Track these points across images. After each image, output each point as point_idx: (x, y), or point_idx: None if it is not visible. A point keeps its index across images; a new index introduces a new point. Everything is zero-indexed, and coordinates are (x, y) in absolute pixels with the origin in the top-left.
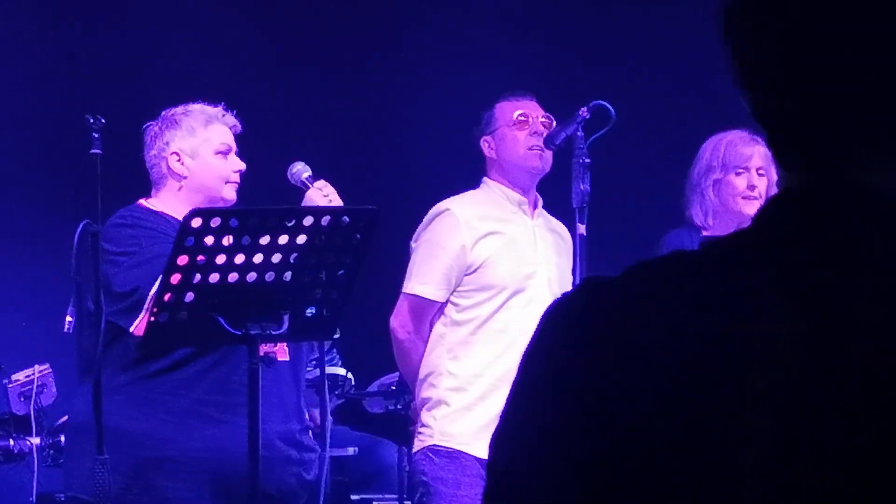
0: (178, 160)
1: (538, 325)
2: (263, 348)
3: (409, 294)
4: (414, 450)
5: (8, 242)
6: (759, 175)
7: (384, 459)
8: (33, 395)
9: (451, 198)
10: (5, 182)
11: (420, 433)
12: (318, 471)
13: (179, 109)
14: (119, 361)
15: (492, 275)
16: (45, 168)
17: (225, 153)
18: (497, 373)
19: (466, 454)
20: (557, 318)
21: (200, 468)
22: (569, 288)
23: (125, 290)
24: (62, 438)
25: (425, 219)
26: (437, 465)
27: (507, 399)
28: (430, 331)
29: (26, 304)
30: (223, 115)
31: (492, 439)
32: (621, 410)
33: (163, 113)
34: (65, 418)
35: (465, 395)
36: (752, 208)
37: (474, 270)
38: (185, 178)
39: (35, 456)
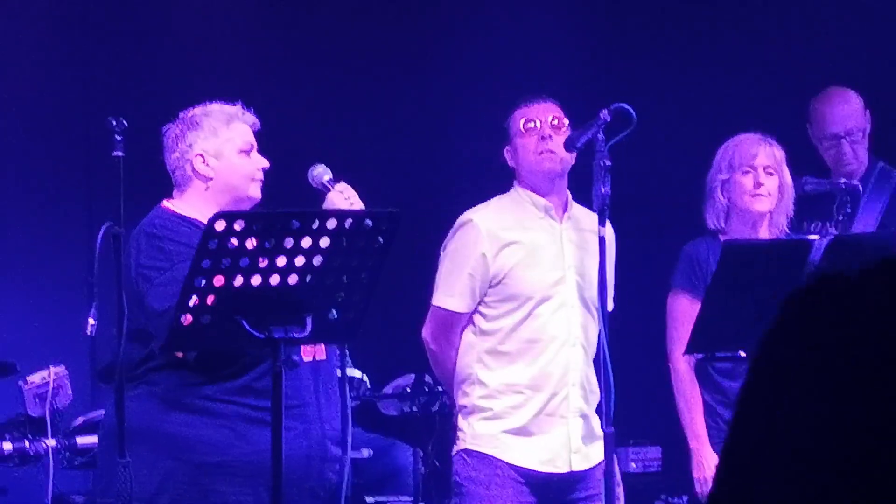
0: (203, 161)
1: (781, 312)
2: (306, 350)
3: (436, 306)
4: (452, 452)
5: (25, 243)
6: (769, 174)
7: (399, 461)
8: (49, 396)
9: (476, 207)
10: (23, 183)
11: (457, 437)
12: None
13: (198, 110)
14: (165, 370)
15: (516, 285)
16: (63, 169)
17: (248, 151)
18: (528, 381)
19: (496, 458)
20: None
21: (257, 472)
22: (593, 290)
23: (162, 308)
24: (77, 441)
25: (452, 230)
26: (470, 466)
27: (747, 384)
28: (461, 338)
29: (42, 305)
30: (243, 114)
31: (733, 422)
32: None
33: (181, 114)
34: (80, 420)
35: (496, 402)
36: (760, 206)
37: (499, 281)
38: (210, 179)
39: (51, 458)
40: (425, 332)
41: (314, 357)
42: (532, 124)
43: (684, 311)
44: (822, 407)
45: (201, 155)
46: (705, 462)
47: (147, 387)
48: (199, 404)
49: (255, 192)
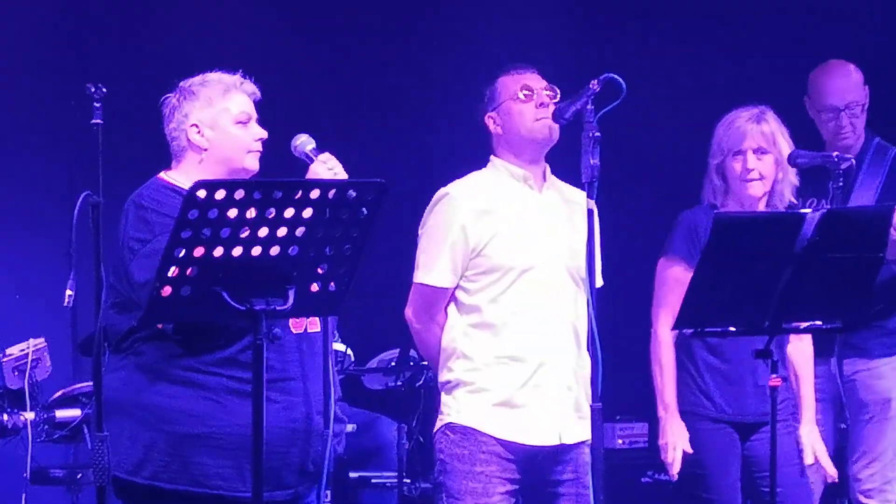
0: (198, 132)
1: None
2: (297, 322)
3: (418, 284)
4: (434, 430)
5: (3, 214)
6: (759, 156)
7: (383, 436)
8: (28, 369)
9: (453, 182)
10: (1, 152)
11: (440, 413)
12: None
13: (197, 79)
14: (153, 341)
15: (497, 256)
16: (40, 138)
17: (245, 122)
18: (512, 352)
19: (481, 432)
20: None
21: (240, 444)
22: (582, 261)
23: (143, 280)
24: (57, 414)
25: (429, 206)
26: (453, 441)
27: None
28: (446, 315)
29: (20, 278)
30: (241, 83)
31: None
32: None
33: (180, 84)
34: (59, 393)
35: (481, 374)
36: (753, 190)
37: (478, 254)
38: (205, 149)
39: (29, 431)
40: (408, 312)
41: (305, 329)
42: (530, 90)
43: (677, 278)
44: None
45: (196, 125)
46: (670, 430)
47: (134, 357)
48: (183, 375)
49: (252, 163)
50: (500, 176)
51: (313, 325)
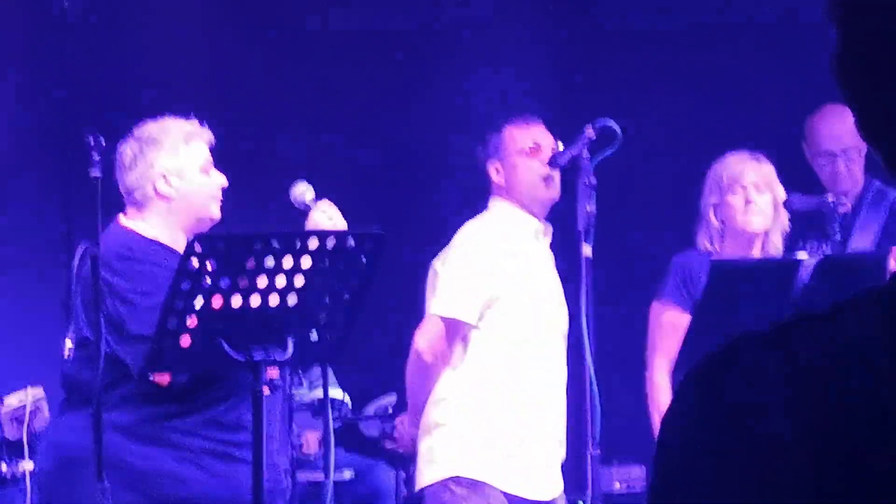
0: (166, 181)
1: (677, 392)
2: (270, 372)
3: (440, 316)
4: (428, 480)
5: (1, 263)
6: (759, 191)
7: (380, 483)
8: (26, 418)
9: (479, 219)
10: None
11: (433, 461)
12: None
13: (154, 127)
14: (133, 400)
15: (508, 304)
16: (39, 188)
17: (206, 170)
18: (517, 406)
19: (490, 486)
20: (700, 384)
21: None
22: (563, 310)
23: (144, 334)
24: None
25: (453, 241)
26: (459, 496)
27: (653, 472)
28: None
29: (19, 326)
30: (201, 130)
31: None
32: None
33: (135, 131)
34: None
35: (487, 427)
36: (754, 224)
37: (495, 302)
38: (172, 199)
39: (28, 481)
40: (422, 344)
41: (271, 380)
42: (538, 146)
43: (670, 322)
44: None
45: (163, 175)
46: None
47: (117, 413)
48: (164, 437)
49: (216, 211)
50: (517, 222)
51: (274, 374)
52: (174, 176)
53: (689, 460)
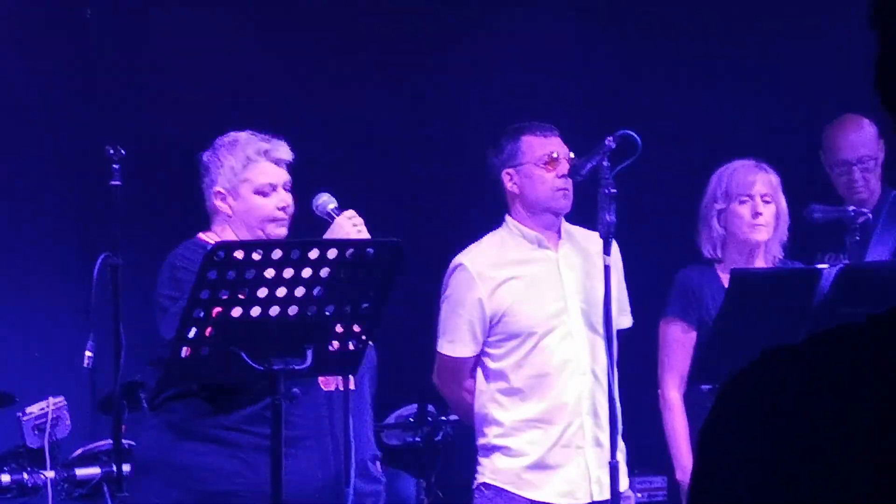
0: (222, 199)
1: (718, 400)
2: (328, 381)
3: (440, 353)
4: (473, 486)
5: (23, 273)
6: (766, 202)
7: (402, 492)
8: (48, 427)
9: (468, 248)
10: (20, 212)
11: (476, 472)
12: None
13: (227, 140)
14: (183, 398)
15: (517, 322)
16: (61, 198)
17: (266, 193)
18: (541, 415)
19: (512, 493)
20: (740, 393)
21: (267, 502)
22: (599, 314)
23: (171, 339)
24: (77, 472)
25: (446, 274)
26: (488, 498)
27: (693, 476)
28: (474, 379)
29: (40, 336)
30: (269, 151)
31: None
32: (817, 485)
33: (215, 141)
34: (79, 451)
35: (513, 439)
36: (759, 235)
37: (498, 321)
38: (229, 216)
39: (49, 490)
40: (435, 379)
41: (336, 387)
42: (555, 158)
43: (677, 339)
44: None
45: (220, 193)
46: None
47: (166, 415)
48: (210, 433)
49: (275, 231)
50: (514, 238)
51: (349, 383)
52: (229, 195)
53: (727, 470)
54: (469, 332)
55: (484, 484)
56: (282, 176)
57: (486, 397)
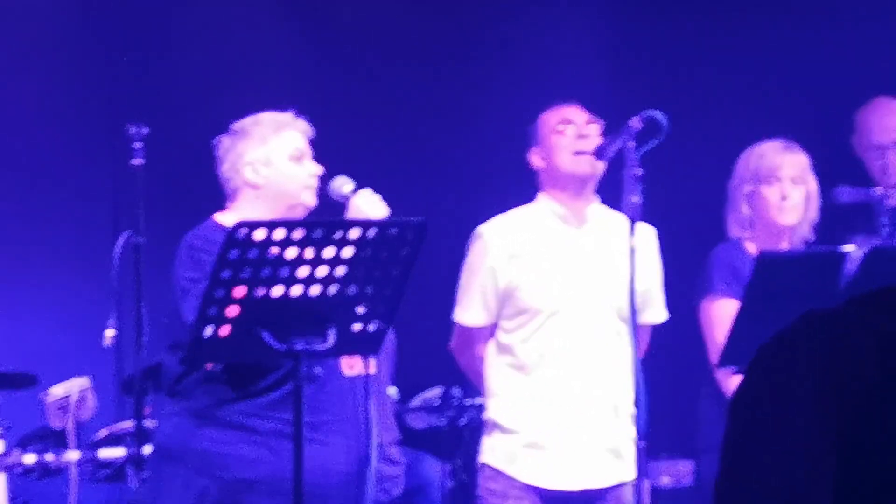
0: (253, 170)
1: (753, 365)
2: (350, 366)
3: (455, 321)
4: (476, 464)
5: (47, 253)
6: (795, 184)
7: (426, 475)
8: (71, 408)
9: (493, 218)
10: (43, 191)
11: (481, 449)
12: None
13: (249, 120)
14: (202, 385)
15: (527, 298)
16: (84, 177)
17: (299, 159)
18: (542, 394)
19: (509, 476)
20: (779, 356)
21: (292, 488)
22: (624, 293)
23: (193, 320)
24: (100, 453)
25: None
26: (488, 477)
27: (728, 442)
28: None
29: (65, 316)
30: (294, 121)
31: (717, 486)
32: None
33: (232, 126)
34: (104, 432)
35: (512, 416)
36: (788, 219)
37: (511, 295)
38: (261, 187)
39: (73, 471)
40: (452, 346)
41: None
42: (568, 123)
43: (727, 314)
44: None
45: (251, 164)
46: None
47: (186, 402)
48: (234, 420)
49: (308, 198)
50: (541, 214)
51: (371, 366)
52: (262, 165)
53: (759, 429)
54: (481, 301)
55: (484, 464)
56: (306, 146)
57: (495, 370)
